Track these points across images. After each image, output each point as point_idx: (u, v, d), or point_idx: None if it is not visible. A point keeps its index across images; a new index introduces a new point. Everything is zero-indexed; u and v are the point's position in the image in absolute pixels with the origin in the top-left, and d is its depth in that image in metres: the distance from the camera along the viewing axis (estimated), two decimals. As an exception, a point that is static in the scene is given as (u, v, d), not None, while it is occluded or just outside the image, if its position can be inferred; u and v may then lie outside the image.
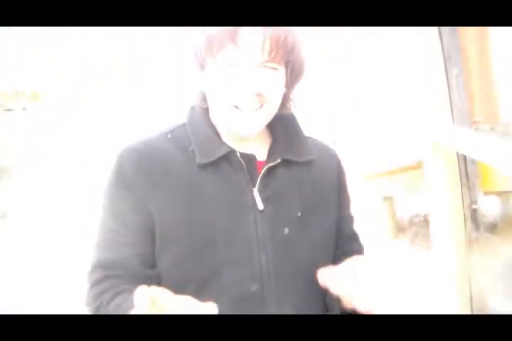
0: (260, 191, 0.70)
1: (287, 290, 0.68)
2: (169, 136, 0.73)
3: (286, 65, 0.69)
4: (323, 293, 0.71)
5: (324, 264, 0.66)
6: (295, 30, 0.69)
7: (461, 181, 1.70)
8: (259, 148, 0.74)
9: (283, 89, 0.72)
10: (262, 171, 0.70)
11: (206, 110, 0.75)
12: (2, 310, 2.62)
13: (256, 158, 0.71)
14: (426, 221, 4.18)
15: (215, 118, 0.74)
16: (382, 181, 3.92)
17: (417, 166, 2.44)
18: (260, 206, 0.69)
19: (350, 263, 0.63)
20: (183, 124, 0.75)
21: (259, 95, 0.66)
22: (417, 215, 4.69)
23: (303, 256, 0.70)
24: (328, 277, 0.61)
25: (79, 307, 0.74)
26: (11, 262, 4.76)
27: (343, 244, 0.79)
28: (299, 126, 0.80)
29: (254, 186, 0.70)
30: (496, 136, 1.40)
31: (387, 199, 4.28)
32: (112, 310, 0.63)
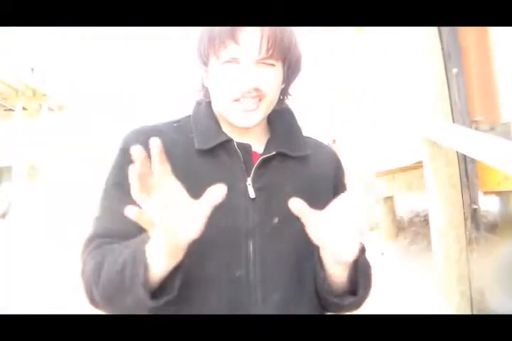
0: (254, 181, 0.73)
1: (272, 278, 0.70)
2: (175, 124, 0.78)
3: (283, 61, 0.73)
4: (309, 282, 0.73)
5: (308, 257, 0.70)
6: (291, 28, 0.72)
7: (461, 181, 1.70)
8: (258, 142, 0.78)
9: (280, 85, 0.75)
10: (257, 162, 0.74)
11: (209, 104, 0.79)
12: (2, 310, 2.62)
13: (251, 148, 0.75)
14: (426, 221, 4.19)
15: (217, 111, 0.78)
16: (382, 181, 3.92)
17: (417, 166, 2.44)
18: (252, 194, 0.72)
19: (332, 208, 0.62)
20: (189, 116, 0.80)
21: (257, 90, 0.70)
22: (417, 215, 4.70)
23: (290, 246, 0.72)
24: (310, 223, 0.61)
25: (79, 307, 0.74)
26: (11, 262, 4.77)
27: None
28: (296, 122, 0.83)
29: (248, 176, 0.73)
30: (495, 136, 1.40)
31: (387, 199, 4.29)
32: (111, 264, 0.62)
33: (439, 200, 1.69)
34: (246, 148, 0.75)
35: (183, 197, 0.58)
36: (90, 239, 0.70)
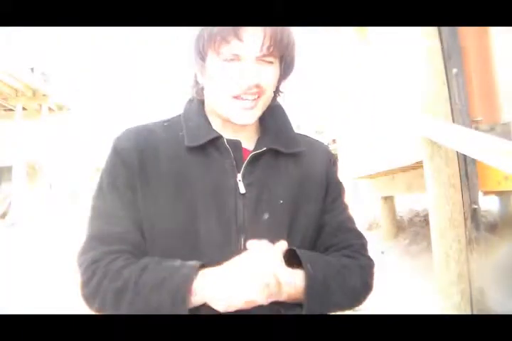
0: (244, 177, 0.74)
1: None
2: (165, 124, 0.79)
3: (281, 59, 0.74)
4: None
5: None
6: (290, 28, 0.73)
7: (461, 181, 1.70)
8: (249, 138, 0.78)
9: (276, 82, 0.77)
10: (248, 157, 0.74)
11: (201, 102, 0.80)
12: (2, 310, 2.62)
13: (241, 144, 0.76)
14: (426, 221, 4.19)
15: (212, 108, 0.78)
16: (382, 181, 3.92)
17: (417, 166, 2.44)
18: (242, 190, 0.73)
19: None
20: (179, 115, 0.81)
21: (258, 86, 0.71)
22: (417, 215, 4.70)
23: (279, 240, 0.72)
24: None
25: (79, 307, 0.74)
26: (11, 262, 4.76)
27: (327, 238, 0.79)
28: (287, 119, 0.84)
29: (238, 172, 0.74)
30: (495, 136, 1.40)
31: (387, 199, 4.29)
32: (141, 287, 0.63)
33: (439, 200, 1.69)
34: (236, 144, 0.75)
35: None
36: (88, 243, 0.70)
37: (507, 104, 1.77)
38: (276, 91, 0.80)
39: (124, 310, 0.63)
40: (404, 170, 2.97)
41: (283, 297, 0.65)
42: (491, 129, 1.70)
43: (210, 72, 0.72)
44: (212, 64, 0.71)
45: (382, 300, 2.61)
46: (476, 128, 1.69)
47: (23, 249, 5.73)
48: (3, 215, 10.04)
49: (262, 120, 0.81)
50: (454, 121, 1.73)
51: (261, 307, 0.62)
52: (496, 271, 1.65)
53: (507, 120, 1.74)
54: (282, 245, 0.65)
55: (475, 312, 1.61)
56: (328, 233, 0.79)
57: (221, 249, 0.69)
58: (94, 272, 0.66)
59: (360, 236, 0.81)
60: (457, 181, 1.69)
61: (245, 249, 0.66)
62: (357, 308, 0.76)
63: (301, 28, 0.74)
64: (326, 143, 0.90)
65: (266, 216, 0.72)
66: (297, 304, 0.68)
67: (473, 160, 1.69)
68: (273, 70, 0.73)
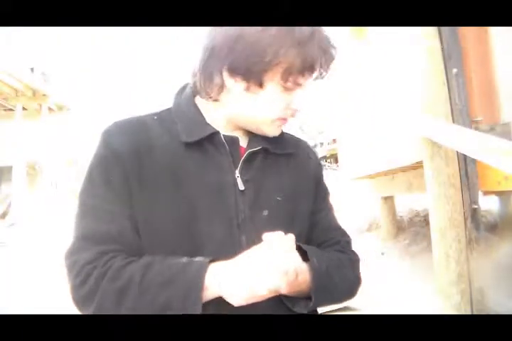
0: (241, 173, 0.73)
1: None
2: (155, 117, 0.75)
3: None
4: None
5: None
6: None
7: (461, 181, 1.70)
8: (241, 136, 0.77)
9: None
10: (245, 155, 0.73)
11: (191, 96, 0.77)
12: (2, 310, 2.62)
13: (239, 141, 0.75)
14: (426, 221, 4.19)
15: (241, 121, 0.75)
16: (382, 181, 3.92)
17: (417, 166, 2.44)
18: (241, 186, 0.72)
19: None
20: (168, 109, 0.78)
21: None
22: (417, 215, 4.70)
23: None
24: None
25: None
26: (11, 262, 4.76)
27: (320, 235, 0.80)
28: None
29: (236, 168, 0.73)
30: (495, 136, 1.40)
31: (387, 199, 4.29)
32: (146, 286, 0.61)
33: (439, 200, 1.69)
34: (233, 141, 0.74)
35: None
36: (79, 242, 0.66)
37: (507, 104, 1.77)
38: None
39: (124, 310, 0.60)
40: (404, 170, 2.97)
41: (294, 288, 0.65)
42: (491, 129, 1.70)
43: (264, 96, 0.69)
44: (270, 90, 0.69)
45: (382, 300, 2.61)
46: (476, 128, 1.69)
47: (23, 249, 5.73)
48: (3, 215, 10.04)
49: None
50: (454, 121, 1.73)
51: (268, 302, 0.61)
52: (496, 271, 1.65)
53: (507, 120, 1.74)
54: (292, 237, 0.65)
55: (475, 313, 1.62)
56: (320, 230, 0.80)
57: (223, 247, 0.68)
58: (90, 273, 0.62)
59: (345, 233, 0.84)
60: (457, 181, 1.69)
61: (246, 246, 0.66)
62: (355, 307, 0.78)
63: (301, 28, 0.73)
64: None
65: (265, 213, 0.72)
66: (300, 298, 0.69)
67: (473, 160, 1.69)
68: None
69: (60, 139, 11.23)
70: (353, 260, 0.79)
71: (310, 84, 0.71)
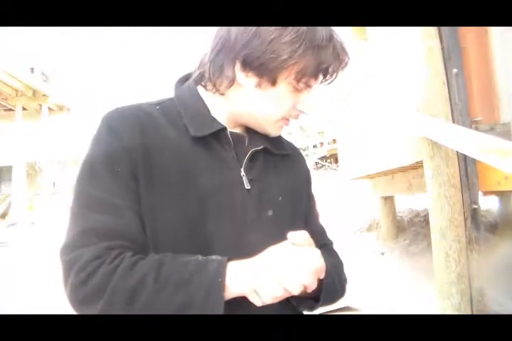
0: (246, 172, 0.71)
1: None
2: (157, 107, 0.71)
3: None
4: None
5: None
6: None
7: (461, 181, 1.70)
8: (242, 132, 0.76)
9: None
10: (248, 153, 0.72)
11: (195, 87, 0.74)
12: (2, 310, 2.62)
13: (245, 139, 0.74)
14: (426, 221, 4.19)
15: (244, 119, 0.74)
16: (382, 181, 3.92)
17: (417, 166, 2.44)
18: (247, 185, 0.70)
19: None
20: (171, 99, 0.74)
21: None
22: (417, 215, 4.70)
23: (284, 238, 0.68)
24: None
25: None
26: (11, 262, 4.76)
27: (312, 236, 0.81)
28: None
29: (241, 166, 0.71)
30: (495, 136, 1.40)
31: (387, 199, 4.30)
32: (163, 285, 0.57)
33: (439, 200, 1.69)
34: (240, 138, 0.73)
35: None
36: (81, 236, 0.60)
37: (507, 104, 1.77)
38: None
39: (136, 310, 0.56)
40: (404, 170, 2.97)
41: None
42: (491, 129, 1.70)
43: (274, 94, 0.69)
44: (281, 89, 0.68)
45: (382, 301, 2.61)
46: (476, 128, 1.70)
47: (23, 249, 5.73)
48: (3, 215, 10.04)
49: None
50: (454, 121, 1.73)
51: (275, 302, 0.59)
52: (496, 271, 1.65)
53: (507, 120, 1.74)
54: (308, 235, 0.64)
55: (475, 313, 1.62)
56: (310, 232, 0.80)
57: (231, 246, 0.66)
58: (97, 269, 0.57)
59: (328, 237, 0.86)
60: (457, 181, 1.69)
61: (254, 246, 0.64)
62: (355, 307, 0.78)
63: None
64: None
65: (270, 213, 0.71)
66: (305, 298, 0.69)
67: (473, 160, 1.69)
68: None
69: (60, 139, 11.24)
70: (341, 261, 0.81)
71: (317, 88, 0.71)
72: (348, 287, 0.80)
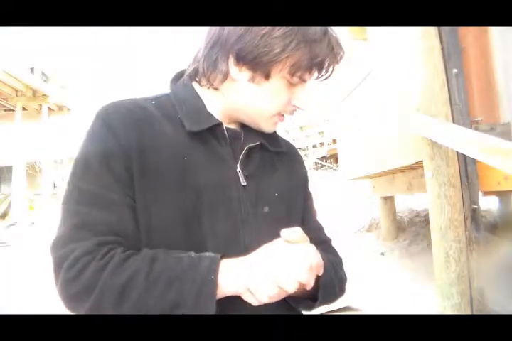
0: (242, 168, 0.71)
1: None
2: (153, 102, 0.71)
3: None
4: None
5: None
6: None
7: (461, 181, 1.70)
8: (237, 128, 0.76)
9: None
10: (244, 149, 0.72)
11: (190, 82, 0.74)
12: (2, 310, 2.62)
13: (241, 135, 0.73)
14: (426, 221, 4.19)
15: (238, 114, 0.73)
16: (382, 181, 3.92)
17: (417, 166, 2.44)
18: (243, 182, 0.70)
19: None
20: (167, 94, 0.74)
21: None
22: (417, 215, 4.70)
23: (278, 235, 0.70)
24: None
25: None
26: (11, 262, 4.76)
27: (309, 233, 0.80)
28: None
29: (237, 162, 0.71)
30: (495, 136, 1.40)
31: (387, 199, 4.29)
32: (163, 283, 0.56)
33: (439, 200, 1.69)
34: (236, 134, 0.73)
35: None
36: (72, 231, 0.59)
37: (507, 104, 1.77)
38: None
39: (127, 307, 0.55)
40: (404, 170, 2.97)
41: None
42: (491, 129, 1.70)
43: (267, 88, 0.68)
44: (275, 83, 0.68)
45: (382, 301, 2.61)
46: (476, 128, 1.69)
47: (23, 249, 5.73)
48: (3, 215, 10.04)
49: None
50: (454, 121, 1.73)
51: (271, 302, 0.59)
52: (496, 271, 1.65)
53: (507, 120, 1.74)
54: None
55: (475, 313, 1.61)
56: (308, 229, 0.80)
57: (226, 243, 0.65)
58: (86, 266, 0.56)
59: (326, 235, 0.85)
60: (457, 181, 1.69)
61: (249, 243, 0.65)
62: (355, 307, 0.78)
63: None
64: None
65: (266, 209, 0.71)
66: (303, 298, 0.69)
67: (473, 160, 1.69)
68: None
69: (60, 139, 11.23)
70: (340, 259, 0.81)
71: (312, 83, 0.71)
72: (348, 287, 0.79)
